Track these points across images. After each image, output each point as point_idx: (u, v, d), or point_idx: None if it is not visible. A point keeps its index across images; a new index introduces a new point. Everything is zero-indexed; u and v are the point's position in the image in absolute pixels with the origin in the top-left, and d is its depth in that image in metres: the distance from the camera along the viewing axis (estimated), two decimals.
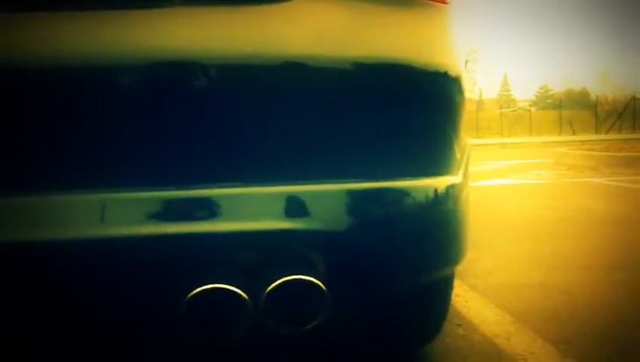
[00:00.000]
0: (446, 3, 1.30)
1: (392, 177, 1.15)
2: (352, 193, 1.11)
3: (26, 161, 1.03)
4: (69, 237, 1.02)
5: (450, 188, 1.23)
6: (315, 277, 1.03)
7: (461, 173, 1.30)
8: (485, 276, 2.74)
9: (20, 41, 1.03)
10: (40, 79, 1.02)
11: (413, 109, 1.18)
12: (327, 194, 1.09)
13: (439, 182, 1.21)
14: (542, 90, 76.26)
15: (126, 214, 1.03)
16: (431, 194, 1.20)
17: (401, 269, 1.20)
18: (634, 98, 34.88)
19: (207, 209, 1.06)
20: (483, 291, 2.49)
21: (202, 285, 1.00)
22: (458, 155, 1.30)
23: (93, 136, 1.04)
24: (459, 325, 2.09)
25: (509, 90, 78.35)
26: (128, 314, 1.14)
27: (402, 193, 1.16)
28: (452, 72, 1.24)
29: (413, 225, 1.18)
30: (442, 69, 1.23)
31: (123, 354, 1.80)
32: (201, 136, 1.06)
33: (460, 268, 2.75)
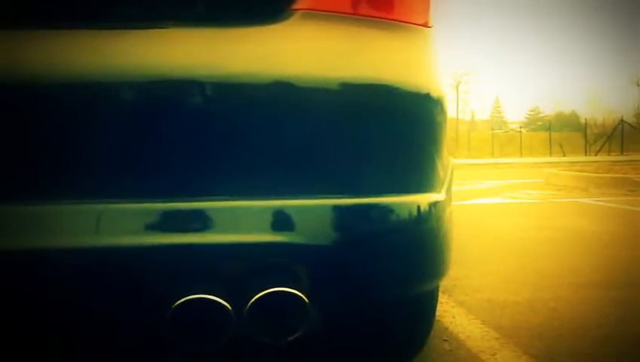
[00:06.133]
0: (429, 27, 1.34)
1: (376, 193, 1.18)
2: (336, 208, 1.14)
3: (17, 172, 1.07)
4: (58, 246, 1.05)
5: (433, 205, 1.26)
6: (298, 290, 1.06)
7: (444, 190, 1.33)
8: (472, 293, 2.76)
9: (20, 57, 1.07)
10: (36, 94, 1.06)
11: (397, 128, 1.21)
12: (312, 209, 1.12)
13: (422, 199, 1.24)
14: (533, 113, 76.76)
15: (114, 225, 1.06)
16: (414, 210, 1.23)
17: (383, 284, 1.23)
18: (622, 121, 35.18)
19: (195, 221, 1.09)
20: (470, 307, 2.51)
21: (187, 295, 1.03)
22: (441, 173, 1.33)
23: (86, 150, 1.07)
24: (445, 340, 2.11)
25: (500, 112, 78.90)
26: (114, 322, 1.17)
27: (386, 209, 1.19)
28: (435, 93, 1.28)
29: (396, 240, 1.21)
30: (425, 90, 1.27)
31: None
32: (190, 150, 1.09)
33: (447, 285, 2.80)
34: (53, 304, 1.09)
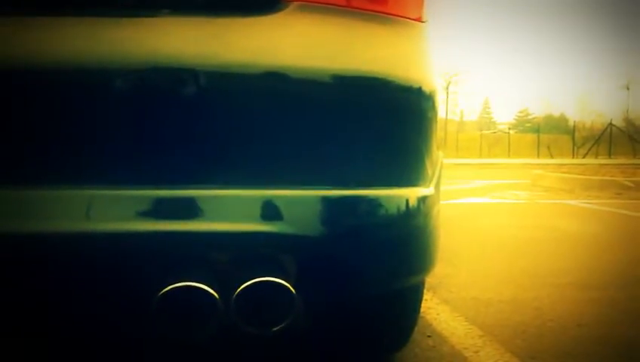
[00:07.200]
0: (423, 21, 1.35)
1: (365, 186, 1.19)
2: (325, 199, 1.15)
3: (9, 157, 1.06)
4: (46, 231, 1.04)
5: (421, 199, 1.27)
6: (285, 280, 1.06)
7: (433, 185, 1.34)
8: (457, 290, 2.78)
9: (14, 44, 1.07)
10: (30, 81, 1.06)
11: (388, 121, 1.22)
12: (300, 200, 1.13)
13: (411, 193, 1.25)
14: (522, 114, 77.05)
15: (103, 211, 1.06)
16: (402, 203, 1.23)
17: (369, 276, 1.23)
18: (611, 124, 35.42)
19: (183, 209, 1.09)
20: (454, 305, 2.53)
21: (175, 283, 1.03)
22: (430, 168, 1.33)
23: (77, 136, 1.07)
24: (429, 336, 2.12)
25: (489, 113, 79.14)
26: (101, 310, 1.16)
27: (374, 201, 1.20)
28: (426, 88, 1.29)
29: (384, 232, 1.21)
30: (417, 84, 1.27)
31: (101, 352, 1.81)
32: (181, 138, 1.09)
33: (433, 282, 2.81)
34: (40, 289, 1.09)
